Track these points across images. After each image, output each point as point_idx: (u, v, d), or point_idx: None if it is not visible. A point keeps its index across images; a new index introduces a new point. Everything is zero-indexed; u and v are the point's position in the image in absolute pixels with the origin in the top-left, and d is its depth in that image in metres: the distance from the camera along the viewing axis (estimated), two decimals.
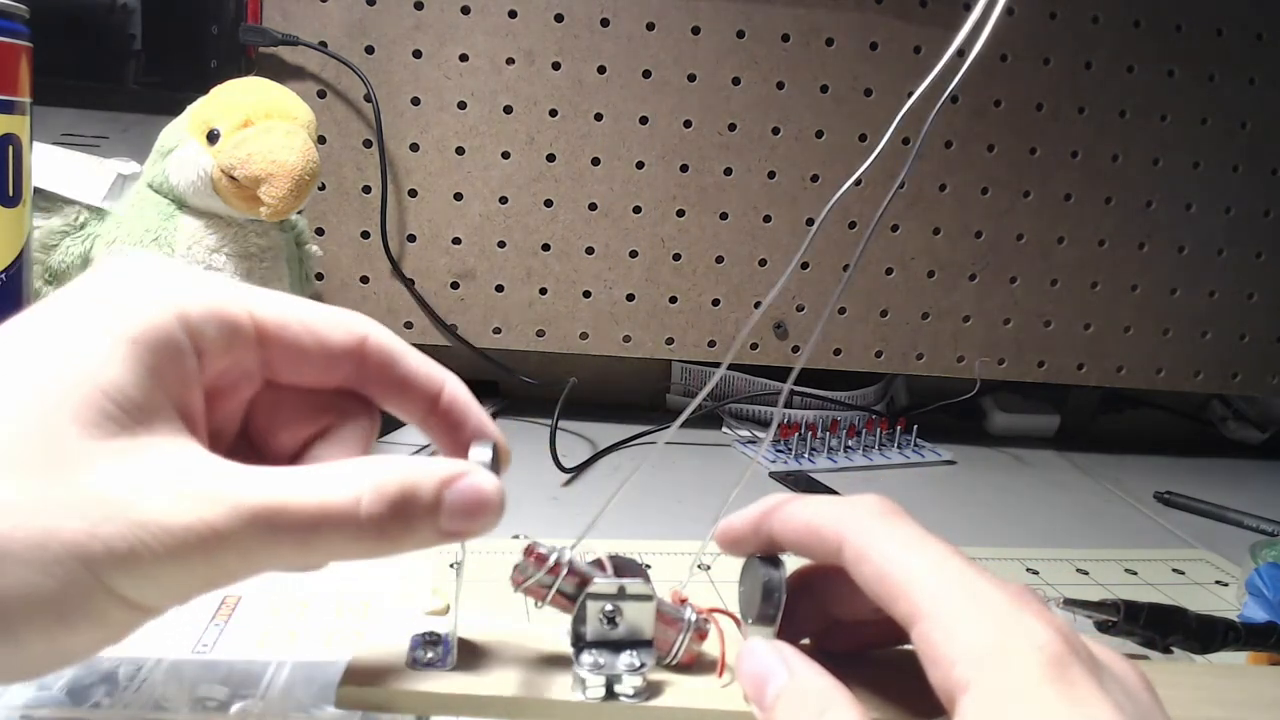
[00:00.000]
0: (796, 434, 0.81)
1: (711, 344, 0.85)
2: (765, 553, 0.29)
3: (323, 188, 0.80)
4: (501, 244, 0.82)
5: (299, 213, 0.73)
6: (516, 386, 0.86)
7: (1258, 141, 0.86)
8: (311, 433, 0.28)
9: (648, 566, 0.33)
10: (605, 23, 0.80)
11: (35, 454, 0.21)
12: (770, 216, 0.84)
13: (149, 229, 0.64)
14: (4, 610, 0.20)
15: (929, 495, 0.77)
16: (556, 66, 0.80)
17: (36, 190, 0.60)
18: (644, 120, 0.81)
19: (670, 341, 0.85)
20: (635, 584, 0.29)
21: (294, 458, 0.28)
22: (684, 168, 0.82)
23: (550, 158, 0.81)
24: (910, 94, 0.28)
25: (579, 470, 0.73)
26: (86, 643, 0.22)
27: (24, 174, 0.54)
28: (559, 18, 0.79)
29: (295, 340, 0.27)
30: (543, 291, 0.83)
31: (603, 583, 0.28)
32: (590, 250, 0.83)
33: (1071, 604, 0.45)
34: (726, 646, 0.30)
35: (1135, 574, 0.62)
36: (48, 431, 0.21)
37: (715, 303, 0.85)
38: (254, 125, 0.61)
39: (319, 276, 0.80)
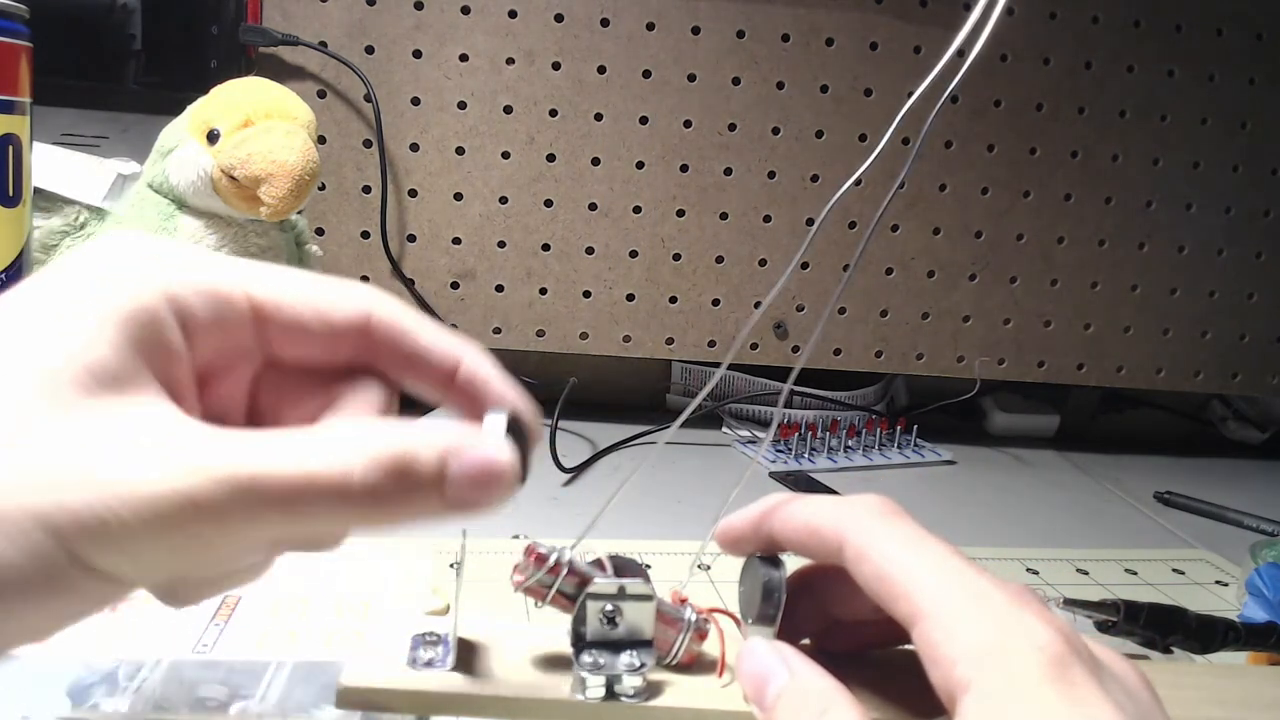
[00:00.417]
0: (796, 434, 0.81)
1: (711, 344, 0.85)
2: (765, 552, 0.29)
3: (323, 188, 0.80)
4: (501, 244, 0.82)
5: (299, 213, 0.73)
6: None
7: (1258, 141, 0.86)
8: (318, 408, 0.26)
9: (648, 566, 0.33)
10: (605, 23, 0.80)
11: (3, 426, 0.20)
12: (770, 216, 0.84)
13: (149, 229, 0.64)
14: None
15: (929, 495, 0.77)
16: (556, 66, 0.80)
17: (36, 190, 0.60)
18: (644, 120, 0.81)
19: (670, 341, 0.85)
20: (635, 584, 0.29)
21: None
22: (684, 168, 0.82)
23: (550, 158, 0.81)
24: (910, 94, 0.28)
25: (579, 470, 0.73)
26: (60, 615, 0.22)
27: (24, 174, 0.54)
28: (559, 18, 0.79)
29: (295, 316, 0.25)
30: (543, 291, 0.83)
31: (603, 583, 0.28)
32: (590, 250, 0.83)
33: (1071, 604, 0.45)
34: (726, 646, 0.30)
35: (1135, 574, 0.62)
36: (18, 403, 0.21)
37: (715, 303, 0.85)
38: (254, 125, 0.61)
39: None
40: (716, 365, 0.86)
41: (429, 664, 0.29)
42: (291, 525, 0.22)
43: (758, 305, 0.84)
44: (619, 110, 0.81)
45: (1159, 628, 0.44)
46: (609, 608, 0.29)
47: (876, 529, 0.25)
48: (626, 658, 0.28)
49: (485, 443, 0.23)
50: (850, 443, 0.83)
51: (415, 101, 0.79)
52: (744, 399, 0.88)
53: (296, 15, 0.77)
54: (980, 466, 0.85)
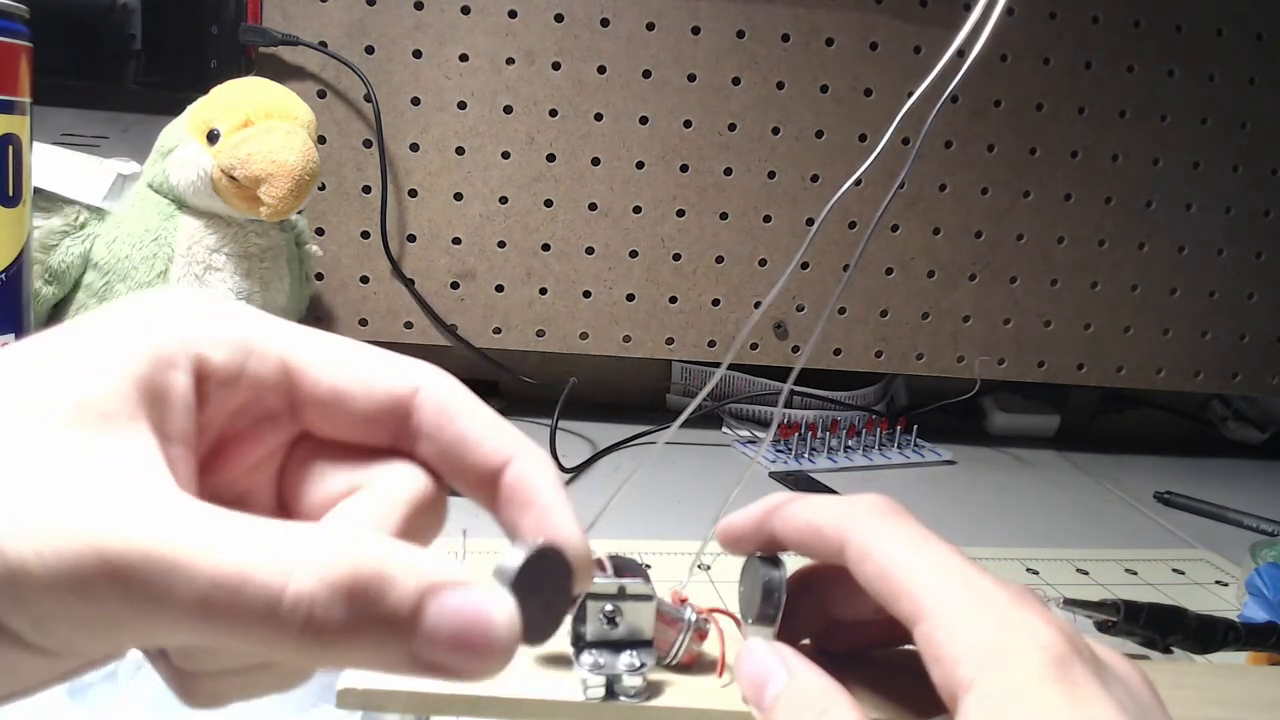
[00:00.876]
0: (796, 434, 0.81)
1: (711, 344, 0.85)
2: (766, 552, 0.29)
3: (323, 188, 0.80)
4: (501, 244, 0.82)
5: (299, 213, 0.73)
6: (516, 386, 0.86)
7: (1258, 141, 0.86)
8: (341, 493, 0.22)
9: (648, 566, 0.33)
10: (605, 23, 0.79)
11: None
12: (770, 216, 0.84)
13: (149, 229, 0.64)
14: None
15: (929, 495, 0.77)
16: (556, 66, 0.80)
17: (36, 190, 0.60)
18: (644, 120, 0.81)
19: (670, 341, 0.85)
20: (635, 584, 0.29)
21: None
22: (684, 168, 0.82)
23: (550, 158, 0.81)
24: (910, 94, 0.28)
25: (579, 470, 0.73)
26: None
27: (24, 174, 0.54)
28: (559, 18, 0.79)
29: (330, 380, 0.22)
30: (543, 291, 0.83)
31: (603, 583, 0.28)
32: (590, 250, 0.83)
33: (1071, 604, 0.45)
34: (726, 646, 0.30)
35: (1135, 574, 0.62)
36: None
37: (715, 303, 0.85)
38: (254, 125, 0.61)
39: (319, 276, 0.80)
40: (716, 365, 0.86)
41: None
42: (199, 637, 0.17)
43: (758, 305, 0.84)
44: (619, 110, 0.81)
45: (1159, 628, 0.44)
46: (609, 608, 0.28)
47: (878, 528, 0.25)
48: (626, 658, 0.28)
49: (479, 591, 0.18)
50: (850, 443, 0.83)
51: (415, 101, 0.79)
52: (744, 399, 0.88)
53: (296, 15, 0.77)
54: (980, 466, 0.85)
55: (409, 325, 0.83)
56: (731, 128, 0.82)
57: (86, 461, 0.18)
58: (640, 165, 0.82)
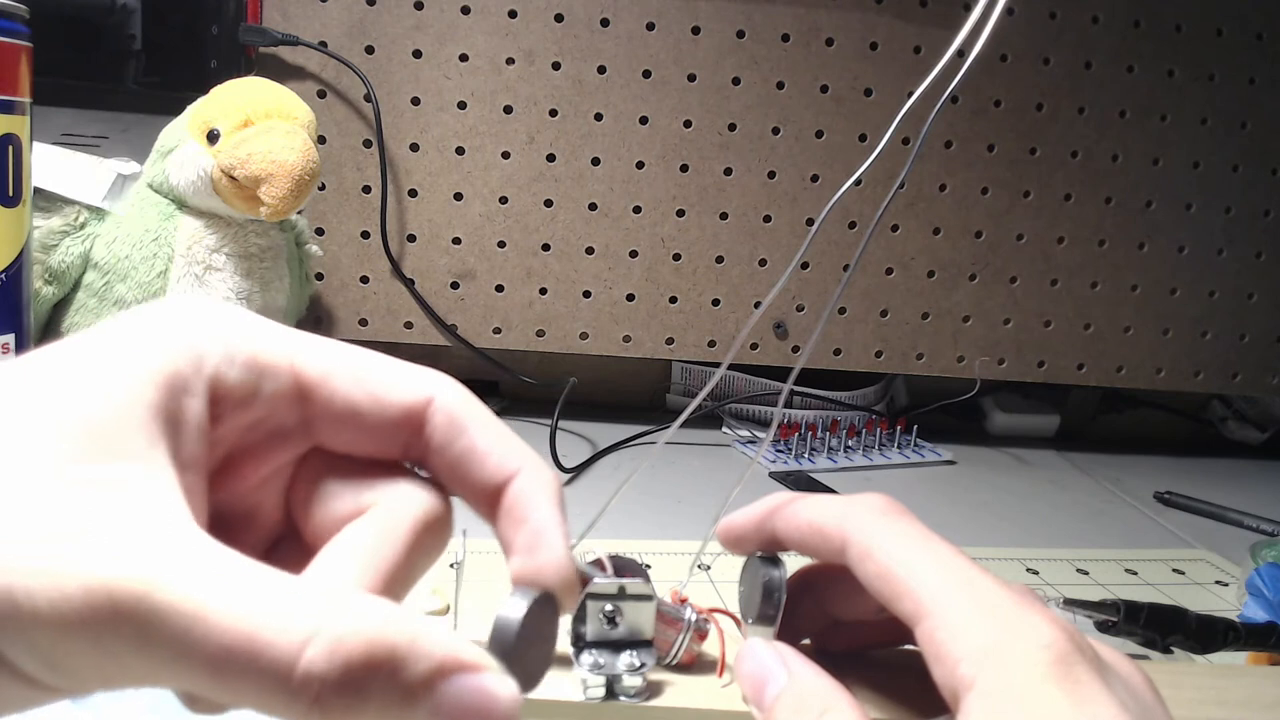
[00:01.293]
0: (796, 434, 0.81)
1: (711, 344, 0.85)
2: (766, 552, 0.29)
3: (323, 188, 0.80)
4: (501, 244, 0.82)
5: (299, 213, 0.73)
6: (516, 386, 0.86)
7: (1258, 141, 0.86)
8: (349, 512, 0.22)
9: (648, 566, 0.33)
10: (605, 23, 0.79)
11: None
12: (770, 216, 0.84)
13: (149, 229, 0.64)
14: None
15: (929, 495, 0.77)
16: (556, 66, 0.80)
17: (36, 190, 0.60)
18: (644, 120, 0.81)
19: (670, 341, 0.85)
20: (635, 584, 0.29)
21: None
22: (684, 168, 0.82)
23: (550, 158, 0.81)
24: (910, 94, 0.28)
25: (579, 470, 0.73)
26: None
27: (24, 174, 0.54)
28: (559, 18, 0.79)
29: (344, 395, 0.22)
30: (543, 291, 0.83)
31: (603, 583, 0.28)
32: (590, 250, 0.83)
33: (1071, 604, 0.45)
34: (726, 646, 0.30)
35: (1135, 574, 0.62)
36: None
37: (715, 303, 0.85)
38: (254, 125, 0.61)
39: (319, 276, 0.80)
40: (716, 365, 0.86)
41: None
42: (216, 694, 0.17)
43: (758, 305, 0.84)
44: (619, 110, 0.81)
45: (1159, 628, 0.44)
46: (609, 608, 0.29)
47: (880, 528, 0.25)
48: (627, 658, 0.28)
49: (488, 676, 0.18)
50: (850, 443, 0.83)
51: (415, 101, 0.79)
52: (744, 399, 0.88)
53: (296, 15, 0.77)
54: (980, 466, 0.85)
55: (409, 325, 0.83)
56: (731, 128, 0.82)
57: (102, 496, 0.18)
58: (640, 165, 0.82)
